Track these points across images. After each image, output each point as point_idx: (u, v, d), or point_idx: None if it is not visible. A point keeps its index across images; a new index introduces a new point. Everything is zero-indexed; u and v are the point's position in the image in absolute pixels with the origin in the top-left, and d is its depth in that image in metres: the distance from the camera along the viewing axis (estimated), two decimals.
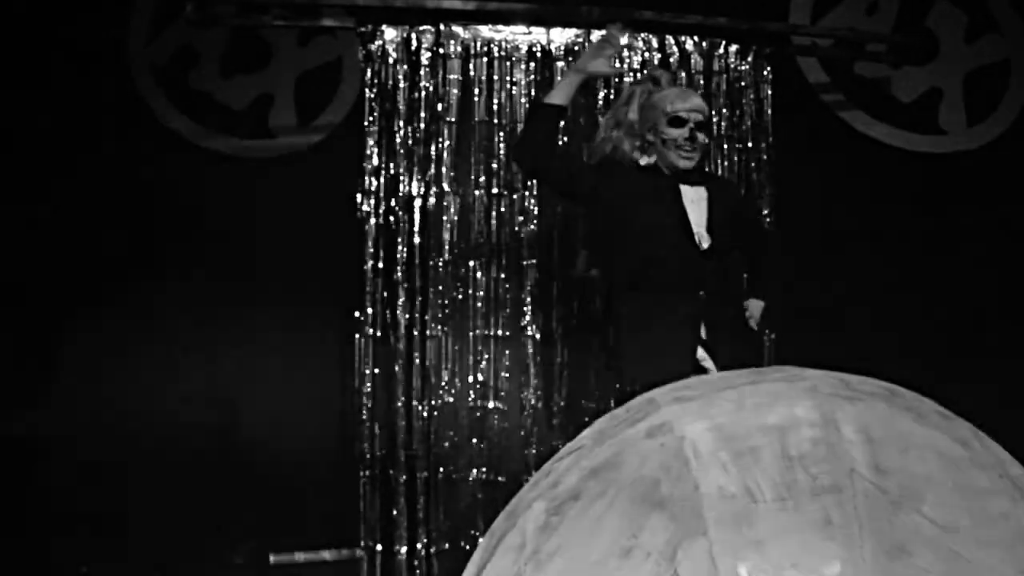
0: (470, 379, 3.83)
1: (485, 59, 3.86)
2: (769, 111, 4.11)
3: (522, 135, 3.38)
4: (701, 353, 3.10)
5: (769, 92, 4.11)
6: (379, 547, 3.77)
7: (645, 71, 3.81)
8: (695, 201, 3.19)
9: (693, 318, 3.09)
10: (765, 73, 4.10)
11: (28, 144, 4.17)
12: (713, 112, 3.97)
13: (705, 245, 3.15)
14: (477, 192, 3.85)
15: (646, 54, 3.96)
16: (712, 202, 3.21)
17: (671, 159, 3.17)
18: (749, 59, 4.08)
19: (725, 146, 4.06)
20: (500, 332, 3.85)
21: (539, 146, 3.18)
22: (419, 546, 3.77)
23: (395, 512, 3.76)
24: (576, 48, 3.91)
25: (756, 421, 1.34)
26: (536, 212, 3.90)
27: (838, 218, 4.56)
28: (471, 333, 3.83)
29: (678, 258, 3.12)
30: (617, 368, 3.24)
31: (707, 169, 3.55)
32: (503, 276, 3.87)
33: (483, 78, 3.86)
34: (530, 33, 3.91)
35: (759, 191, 4.07)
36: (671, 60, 3.97)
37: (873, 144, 4.69)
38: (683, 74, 3.95)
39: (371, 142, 3.76)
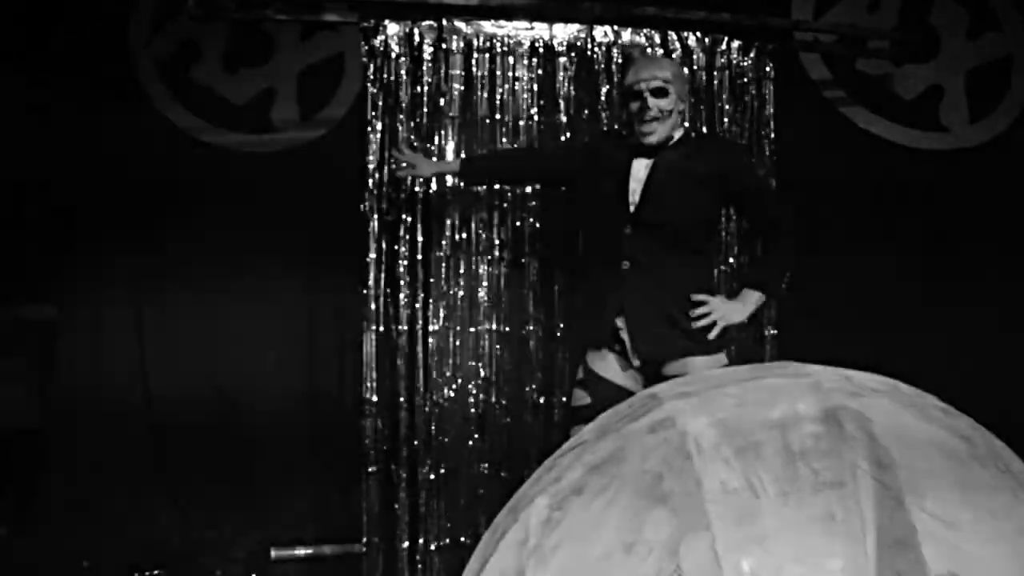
0: (472, 374, 3.83)
1: (487, 54, 3.85)
2: (771, 107, 4.10)
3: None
4: (619, 323, 3.11)
5: (771, 88, 4.11)
6: (380, 542, 3.77)
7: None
8: (639, 172, 3.14)
9: (616, 291, 3.10)
10: (767, 69, 4.09)
11: (30, 137, 4.16)
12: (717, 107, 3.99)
13: (632, 210, 3.11)
14: (479, 187, 3.85)
15: (649, 50, 3.95)
16: (656, 170, 3.12)
17: (638, 137, 3.15)
18: (752, 55, 4.07)
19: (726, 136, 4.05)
20: (502, 327, 3.85)
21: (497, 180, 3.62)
22: (421, 541, 3.77)
23: (397, 507, 3.76)
24: (579, 44, 3.91)
25: (759, 416, 1.35)
26: (539, 207, 3.89)
27: (839, 215, 4.56)
28: (473, 328, 3.83)
29: (607, 227, 3.15)
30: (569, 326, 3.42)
31: (688, 134, 3.33)
32: (505, 271, 3.87)
33: (485, 74, 3.85)
34: (532, 28, 3.90)
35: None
36: (674, 56, 3.96)
37: (875, 141, 4.68)
38: (649, 49, 3.94)
39: (373, 137, 3.76)
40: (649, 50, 3.92)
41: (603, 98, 3.93)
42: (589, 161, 3.29)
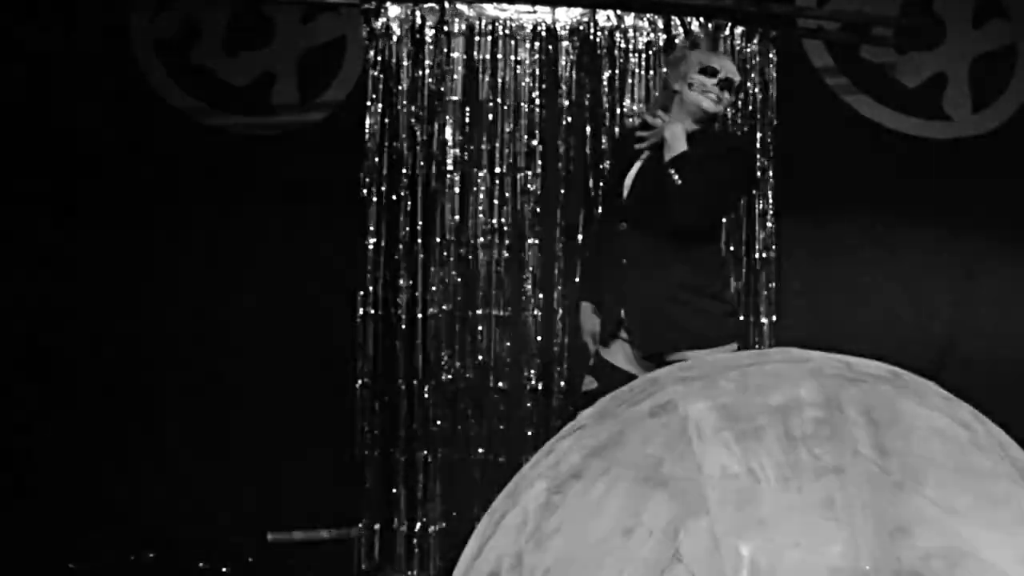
0: (471, 359, 3.83)
1: (489, 38, 3.84)
2: (774, 94, 4.09)
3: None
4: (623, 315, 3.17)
5: (774, 75, 4.09)
6: (378, 526, 3.78)
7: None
8: (636, 167, 3.19)
9: (615, 285, 3.16)
10: (771, 56, 4.08)
11: (28, 120, 4.15)
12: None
13: (623, 205, 3.17)
14: (479, 172, 3.84)
15: (651, 35, 3.94)
16: (647, 166, 3.15)
17: (696, 100, 3.12)
18: (755, 41, 4.06)
19: (729, 128, 4.04)
20: (501, 312, 3.85)
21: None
22: (418, 525, 3.77)
23: (394, 491, 3.77)
24: (581, 28, 3.90)
25: (760, 401, 1.34)
26: (538, 192, 3.89)
27: (841, 202, 4.55)
28: (472, 313, 3.83)
29: (608, 222, 3.25)
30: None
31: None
32: (505, 256, 3.86)
33: (487, 57, 3.84)
34: (535, 12, 3.89)
35: (762, 174, 4.06)
36: (677, 42, 3.95)
37: (877, 129, 4.67)
38: (641, 37, 3.94)
39: (373, 120, 3.74)
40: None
41: (605, 82, 3.92)
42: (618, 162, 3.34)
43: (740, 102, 4.05)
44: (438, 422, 3.80)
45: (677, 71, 3.20)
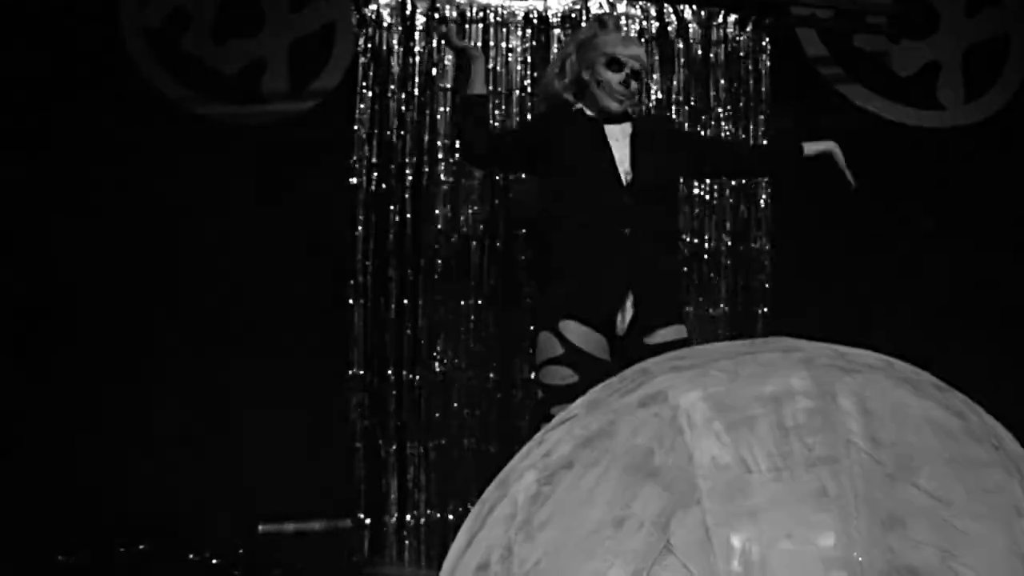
0: (461, 349, 3.82)
1: (481, 25, 3.82)
2: (766, 83, 4.08)
3: (458, 134, 3.50)
4: (631, 298, 3.13)
5: (767, 64, 4.08)
6: (369, 518, 3.77)
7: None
8: (620, 139, 3.22)
9: (619, 257, 3.13)
10: (763, 44, 4.07)
11: (15, 108, 4.12)
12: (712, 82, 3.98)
13: (627, 180, 3.19)
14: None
15: (643, 23, 3.92)
16: (636, 136, 3.24)
17: (603, 102, 3.22)
18: (748, 30, 4.05)
19: (722, 118, 4.04)
20: (491, 301, 3.84)
21: (475, 135, 3.30)
22: (409, 516, 3.77)
23: (385, 482, 3.76)
24: (573, 15, 3.88)
25: (751, 391, 1.33)
26: (528, 181, 3.87)
27: (833, 192, 4.54)
28: (463, 302, 3.82)
29: (602, 194, 3.17)
30: (537, 303, 3.43)
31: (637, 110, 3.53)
32: (496, 244, 3.85)
33: (479, 44, 3.82)
34: None
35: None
36: (669, 29, 3.93)
37: (870, 118, 4.66)
38: (633, 25, 3.90)
39: (364, 108, 3.72)
40: (625, 27, 3.85)
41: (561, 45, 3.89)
42: (552, 133, 3.28)
43: (734, 90, 4.04)
44: (431, 413, 3.80)
45: (585, 57, 3.25)
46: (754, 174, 3.82)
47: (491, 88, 3.83)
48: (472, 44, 3.41)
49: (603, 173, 3.18)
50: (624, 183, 3.18)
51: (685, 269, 3.51)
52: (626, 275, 3.14)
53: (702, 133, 3.97)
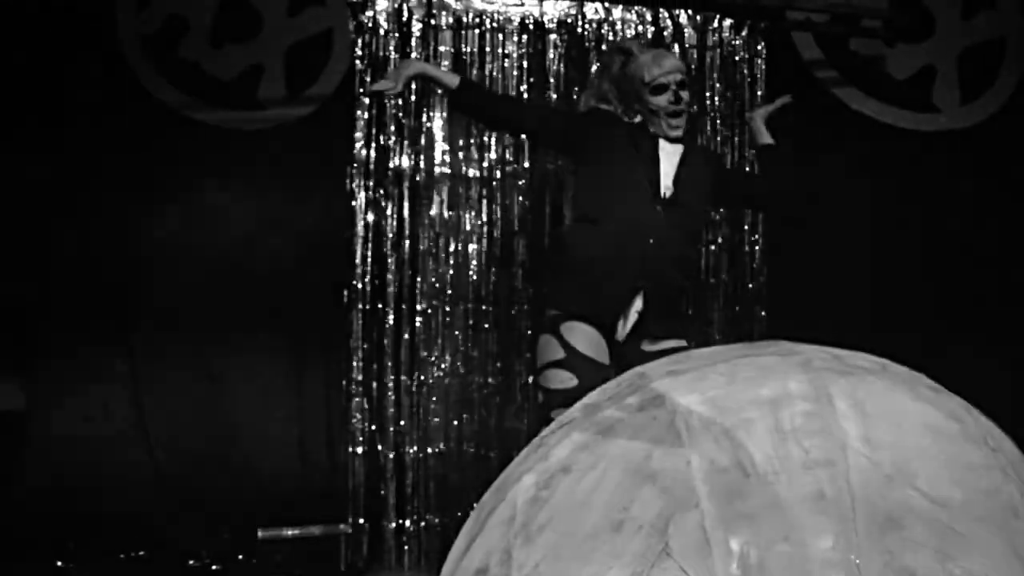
0: (459, 354, 3.82)
1: (477, 31, 3.82)
2: (762, 87, 4.09)
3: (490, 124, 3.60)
4: (638, 305, 3.13)
5: (763, 68, 4.09)
6: (368, 523, 3.77)
7: (614, 43, 3.77)
8: (670, 154, 3.23)
9: (636, 262, 3.12)
10: (759, 48, 4.08)
11: (13, 112, 4.12)
12: (708, 86, 3.98)
13: (666, 194, 3.19)
14: (468, 166, 3.83)
15: (639, 27, 3.93)
16: (686, 159, 3.24)
17: (661, 128, 3.22)
18: (743, 34, 4.06)
19: (718, 122, 4.04)
20: (490, 307, 3.84)
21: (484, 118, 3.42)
22: (408, 521, 3.77)
23: (384, 487, 3.76)
24: (569, 20, 3.89)
25: (749, 395, 1.34)
26: (527, 186, 3.88)
27: (830, 195, 4.55)
28: (461, 307, 3.82)
29: (638, 199, 3.16)
30: (539, 304, 3.38)
31: (693, 139, 3.60)
32: (494, 250, 3.86)
33: (475, 50, 3.82)
34: (522, 5, 3.88)
35: (751, 167, 4.06)
36: (664, 34, 3.94)
37: (866, 121, 4.67)
38: (648, 39, 3.91)
39: (361, 114, 3.73)
40: (643, 44, 3.85)
41: (593, 76, 3.91)
42: (602, 136, 3.26)
43: (730, 94, 4.05)
44: (429, 418, 3.79)
45: (626, 91, 3.25)
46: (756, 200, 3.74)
47: None
48: (398, 73, 3.24)
49: (647, 181, 3.18)
50: (663, 196, 3.18)
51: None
52: (638, 281, 3.13)
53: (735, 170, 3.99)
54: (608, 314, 3.13)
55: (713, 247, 4.00)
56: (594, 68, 3.91)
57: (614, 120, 3.29)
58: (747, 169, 4.04)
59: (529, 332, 3.87)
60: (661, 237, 3.14)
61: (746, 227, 4.18)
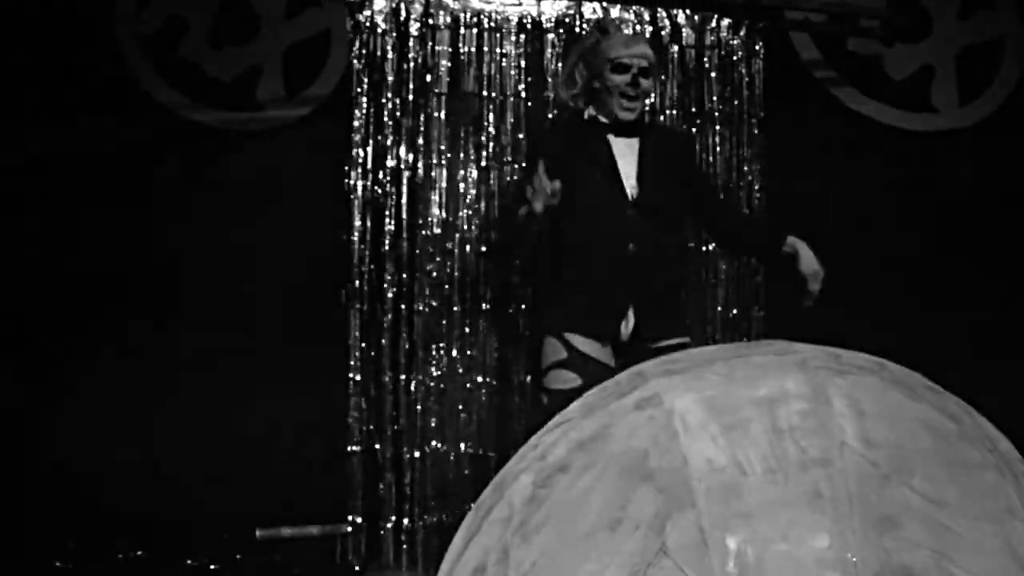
0: (457, 353, 3.82)
1: (475, 30, 3.83)
2: (760, 87, 4.09)
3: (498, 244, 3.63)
4: (630, 314, 3.13)
5: (761, 67, 4.09)
6: (366, 522, 3.77)
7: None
8: (627, 154, 3.20)
9: (622, 275, 3.12)
10: (757, 48, 4.08)
11: (9, 116, 4.12)
12: (708, 88, 3.99)
13: (632, 195, 3.17)
14: (466, 166, 3.83)
15: (637, 27, 3.93)
16: (644, 152, 3.21)
17: (613, 108, 3.19)
18: (741, 34, 4.06)
19: (717, 123, 4.05)
20: (488, 306, 3.84)
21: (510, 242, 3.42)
22: (406, 521, 3.77)
23: (382, 487, 3.76)
24: (567, 20, 3.89)
25: (746, 394, 1.34)
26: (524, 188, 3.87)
27: (828, 196, 4.55)
28: (459, 307, 3.82)
29: (607, 209, 3.15)
30: (535, 314, 3.42)
31: (649, 120, 3.53)
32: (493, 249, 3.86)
33: (473, 50, 3.83)
34: (520, 4, 3.88)
35: (749, 166, 4.06)
36: (663, 34, 3.94)
37: (864, 121, 4.67)
38: (638, 27, 3.90)
39: (359, 114, 3.73)
40: (625, 28, 3.86)
41: (569, 51, 3.90)
42: (566, 147, 3.23)
43: (728, 94, 4.06)
44: (427, 417, 3.80)
45: (592, 64, 3.23)
46: (734, 246, 3.69)
47: (484, 93, 3.84)
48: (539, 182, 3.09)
49: (609, 187, 3.16)
50: (630, 198, 3.16)
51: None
52: (629, 294, 3.13)
53: (709, 177, 3.94)
54: (607, 326, 3.14)
55: (711, 246, 4.00)
56: None
57: (568, 130, 3.28)
58: (723, 198, 3.95)
59: (527, 333, 3.87)
60: (639, 240, 3.12)
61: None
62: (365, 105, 3.74)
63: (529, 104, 3.85)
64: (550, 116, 3.68)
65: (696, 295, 4.00)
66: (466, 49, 3.82)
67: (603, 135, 3.21)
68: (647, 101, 3.25)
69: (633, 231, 3.12)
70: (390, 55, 3.77)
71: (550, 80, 3.91)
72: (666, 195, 3.21)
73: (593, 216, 3.15)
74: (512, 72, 3.86)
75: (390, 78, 3.77)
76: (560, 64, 3.88)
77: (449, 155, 3.84)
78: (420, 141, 3.82)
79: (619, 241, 3.12)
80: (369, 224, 3.75)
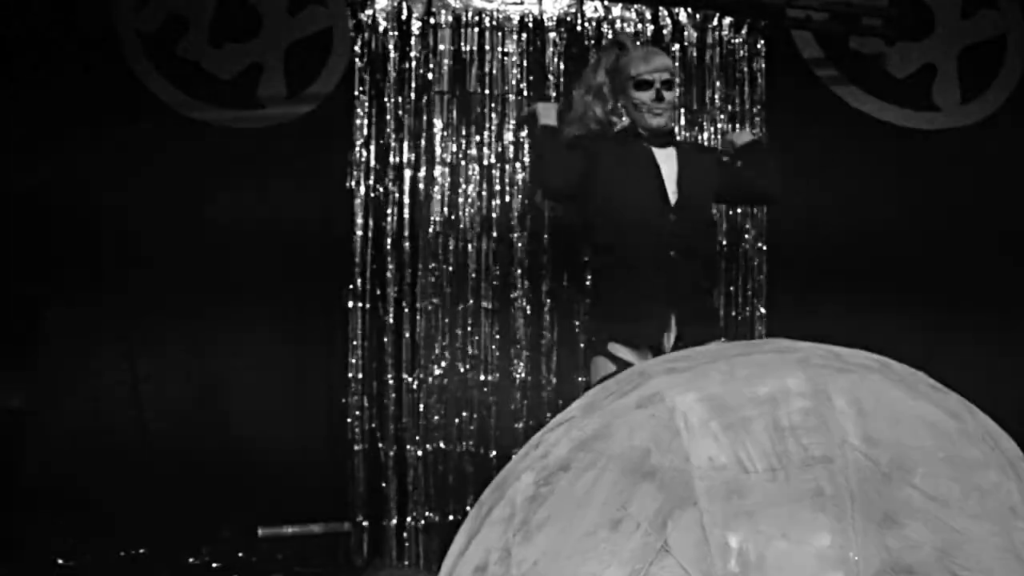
0: (459, 352, 3.82)
1: (476, 29, 3.82)
2: (762, 85, 4.09)
3: (536, 165, 3.48)
4: (672, 322, 3.16)
5: (763, 66, 4.09)
6: (368, 521, 3.78)
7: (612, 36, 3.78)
8: (665, 161, 3.29)
9: (663, 281, 3.18)
10: (759, 47, 4.08)
11: (11, 114, 4.12)
12: (710, 85, 3.99)
13: (674, 200, 3.25)
14: (467, 164, 3.83)
15: (639, 26, 3.93)
16: (681, 159, 3.31)
17: (644, 121, 3.27)
18: (743, 32, 4.05)
19: (719, 121, 4.04)
20: (490, 305, 3.84)
21: (553, 167, 3.31)
22: (408, 519, 3.77)
23: (384, 485, 3.76)
24: (569, 19, 3.89)
25: (747, 392, 1.34)
26: (527, 184, 3.87)
27: (830, 194, 4.55)
28: (461, 306, 3.82)
29: (649, 216, 3.22)
30: (595, 324, 3.43)
31: (680, 135, 3.65)
32: (494, 248, 3.86)
33: (474, 48, 3.82)
34: (522, 3, 3.88)
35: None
36: (664, 32, 3.94)
37: (866, 120, 4.66)
38: (648, 36, 3.90)
39: (361, 112, 3.73)
40: (639, 41, 3.85)
41: (587, 69, 3.91)
42: (597, 162, 3.30)
43: (730, 93, 4.05)
44: (429, 416, 3.80)
45: (616, 83, 3.32)
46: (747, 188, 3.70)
47: (486, 91, 3.84)
48: (534, 109, 3.36)
49: (653, 192, 3.24)
50: (672, 203, 3.24)
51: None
52: (670, 298, 3.17)
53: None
54: (650, 334, 3.16)
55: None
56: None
57: (602, 141, 3.33)
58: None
59: (528, 329, 3.88)
60: (680, 245, 3.22)
61: (747, 225, 4.18)
62: (367, 104, 3.74)
63: (531, 102, 3.85)
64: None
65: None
66: (468, 48, 3.82)
67: (646, 147, 3.30)
68: (672, 112, 3.33)
69: (674, 235, 3.21)
70: (392, 54, 3.76)
71: (550, 78, 3.90)
72: (703, 199, 3.35)
73: (635, 223, 3.23)
74: (514, 71, 3.85)
75: (392, 76, 3.76)
76: (562, 66, 3.89)
77: (450, 153, 3.84)
78: (422, 139, 3.81)
79: (662, 246, 3.20)
80: (371, 222, 3.74)
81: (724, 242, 4.03)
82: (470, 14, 3.82)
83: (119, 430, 4.09)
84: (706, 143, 3.97)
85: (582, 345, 3.84)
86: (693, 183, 3.28)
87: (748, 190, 3.59)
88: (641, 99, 3.25)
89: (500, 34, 3.84)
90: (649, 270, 3.18)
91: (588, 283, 3.71)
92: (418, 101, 3.77)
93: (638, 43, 3.68)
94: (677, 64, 4.00)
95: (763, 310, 4.03)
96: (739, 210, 4.11)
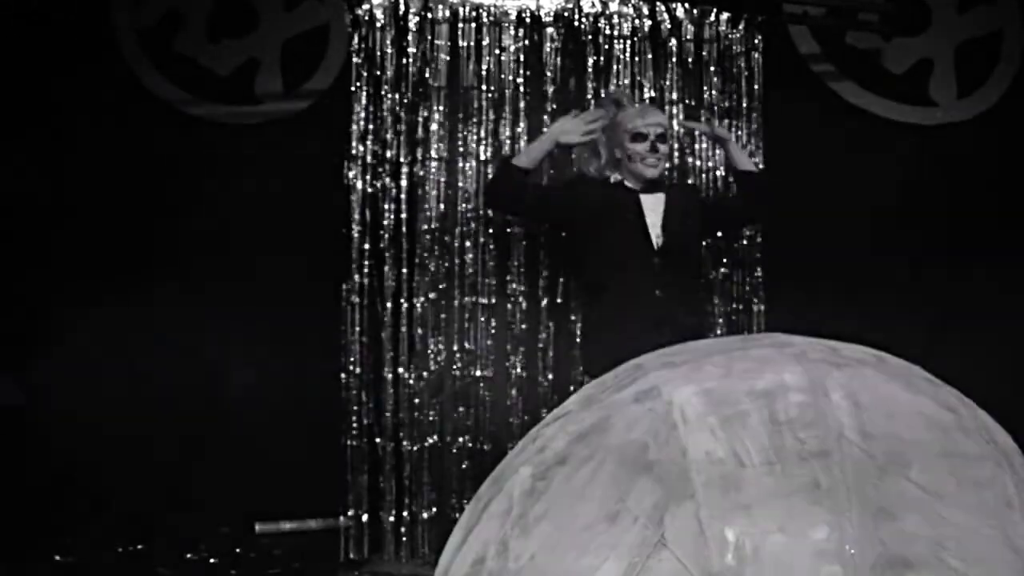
0: (456, 347, 3.82)
1: (474, 24, 3.82)
2: (759, 81, 4.09)
3: (488, 187, 3.72)
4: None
5: (760, 61, 4.09)
6: (366, 516, 3.77)
7: (609, 91, 3.90)
8: (653, 207, 3.54)
9: (649, 320, 3.34)
10: (756, 42, 4.07)
11: (10, 110, 4.12)
12: (706, 83, 4.00)
13: (659, 243, 3.49)
14: (464, 159, 3.83)
15: (636, 21, 3.93)
16: (669, 203, 3.55)
17: (638, 170, 3.54)
18: (740, 27, 4.05)
19: (715, 116, 4.04)
20: (486, 300, 3.84)
21: (505, 199, 3.64)
22: (405, 514, 3.77)
23: (381, 480, 3.77)
24: (566, 14, 3.88)
25: (744, 386, 1.34)
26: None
27: (827, 189, 4.55)
28: (457, 301, 3.82)
29: (636, 258, 3.47)
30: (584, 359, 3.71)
31: (670, 179, 3.86)
32: (490, 244, 3.85)
33: (472, 44, 3.82)
34: None
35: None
36: (661, 27, 3.94)
37: (863, 115, 4.67)
38: (647, 98, 3.97)
39: (358, 108, 3.72)
40: (638, 101, 3.89)
41: (590, 69, 3.92)
42: (597, 202, 3.54)
43: (727, 88, 4.05)
44: (426, 411, 3.80)
45: (613, 137, 3.59)
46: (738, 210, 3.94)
47: (484, 87, 3.84)
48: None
49: (637, 237, 3.47)
50: (656, 246, 3.47)
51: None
52: (658, 335, 3.18)
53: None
54: None
55: (710, 240, 4.00)
56: (591, 62, 3.92)
57: (593, 187, 3.58)
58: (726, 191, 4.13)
59: (524, 327, 3.88)
60: (666, 285, 3.44)
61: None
62: (364, 99, 3.73)
63: (528, 98, 3.85)
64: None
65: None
66: (465, 43, 3.81)
67: (634, 196, 3.54)
68: (663, 164, 3.60)
69: (659, 276, 3.44)
70: (389, 49, 3.76)
71: (548, 75, 3.90)
72: (688, 240, 3.60)
73: (622, 265, 3.46)
74: (511, 66, 3.85)
75: (389, 72, 3.76)
76: (560, 61, 3.90)
77: (447, 149, 3.83)
78: (419, 135, 3.81)
79: (646, 287, 3.42)
80: (368, 218, 3.74)
81: (719, 234, 4.02)
82: (467, 9, 3.81)
83: (118, 428, 4.09)
84: (693, 182, 4.02)
85: (578, 339, 3.85)
86: (679, 225, 3.52)
87: (733, 219, 3.88)
88: (636, 150, 3.52)
89: (497, 29, 3.84)
90: (636, 310, 3.39)
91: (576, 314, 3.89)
92: (415, 96, 3.77)
93: (635, 104, 3.82)
94: (674, 60, 4.01)
95: (760, 305, 4.03)
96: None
